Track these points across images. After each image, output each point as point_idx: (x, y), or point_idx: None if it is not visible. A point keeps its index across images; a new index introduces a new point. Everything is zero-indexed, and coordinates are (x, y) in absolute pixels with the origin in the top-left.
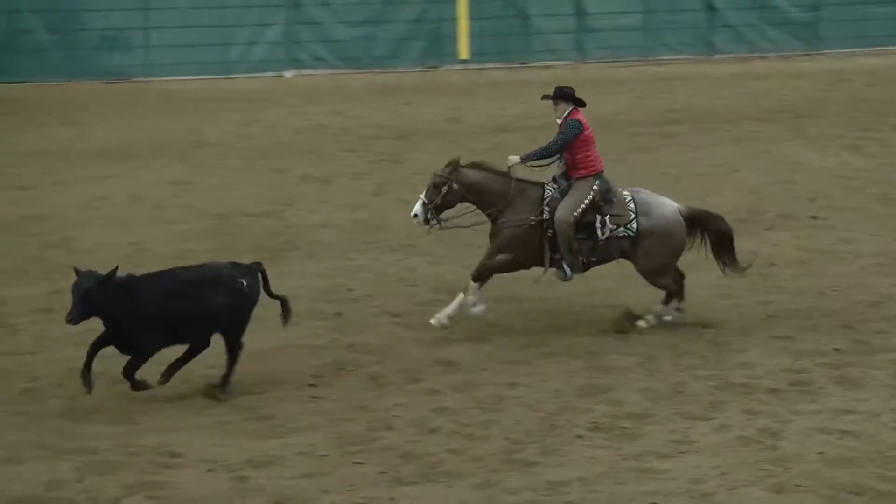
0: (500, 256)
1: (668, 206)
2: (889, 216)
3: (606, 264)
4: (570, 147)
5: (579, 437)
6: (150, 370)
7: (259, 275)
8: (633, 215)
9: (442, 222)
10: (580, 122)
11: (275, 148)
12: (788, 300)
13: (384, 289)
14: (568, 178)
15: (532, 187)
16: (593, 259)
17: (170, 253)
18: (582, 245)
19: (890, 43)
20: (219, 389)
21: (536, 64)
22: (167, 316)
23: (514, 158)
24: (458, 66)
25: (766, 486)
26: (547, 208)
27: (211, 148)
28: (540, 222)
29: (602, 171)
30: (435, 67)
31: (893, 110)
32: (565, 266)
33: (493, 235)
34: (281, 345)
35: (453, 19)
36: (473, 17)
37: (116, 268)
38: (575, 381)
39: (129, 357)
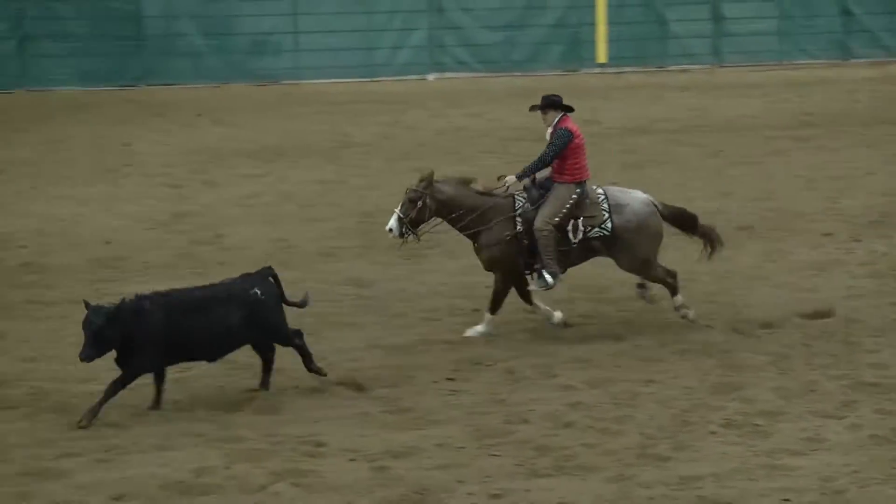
0: (496, 279)
1: (638, 199)
2: None
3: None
4: (561, 154)
5: (712, 433)
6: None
7: (271, 279)
8: (606, 215)
9: (418, 236)
10: (570, 131)
11: (417, 149)
12: None
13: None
14: (541, 186)
15: (503, 201)
16: (568, 262)
17: (315, 250)
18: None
19: None
20: (262, 387)
21: (673, 68)
22: (178, 335)
23: (511, 178)
24: (596, 70)
25: None
26: (520, 220)
27: (356, 148)
28: (515, 235)
29: (586, 181)
30: (573, 71)
31: None
32: (546, 274)
33: (478, 254)
34: (420, 340)
35: (592, 24)
36: (612, 22)
37: (124, 299)
38: (708, 378)
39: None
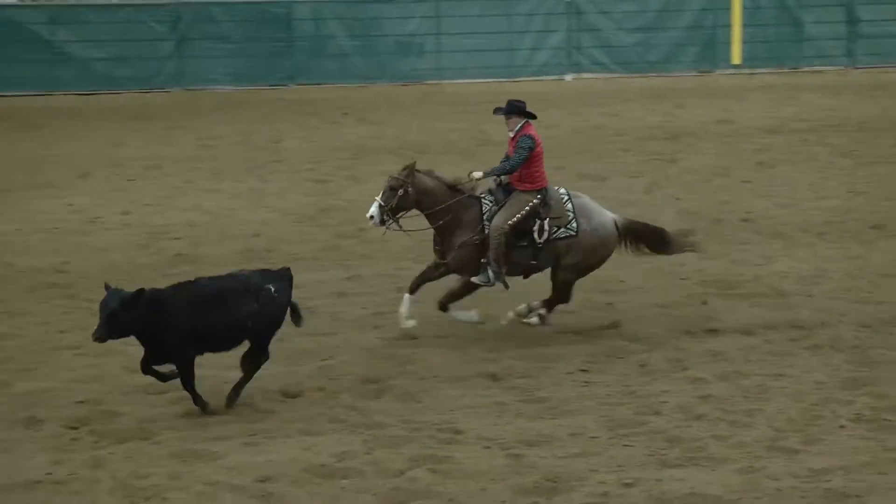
0: (461, 280)
1: (607, 217)
2: None
3: None
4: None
5: (841, 427)
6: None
7: (288, 281)
8: (571, 215)
9: (399, 224)
10: (533, 139)
11: (553, 147)
12: None
13: (654, 281)
14: (507, 190)
15: (473, 202)
16: (534, 263)
17: None
18: (523, 251)
19: None
20: (230, 398)
21: (807, 69)
22: (198, 326)
23: (478, 174)
24: (731, 71)
25: None
26: (487, 223)
27: (494, 146)
28: (483, 240)
29: (546, 188)
30: (708, 72)
31: None
32: (489, 271)
33: (447, 254)
34: (556, 332)
35: (727, 26)
36: (747, 25)
37: (143, 289)
38: (838, 373)
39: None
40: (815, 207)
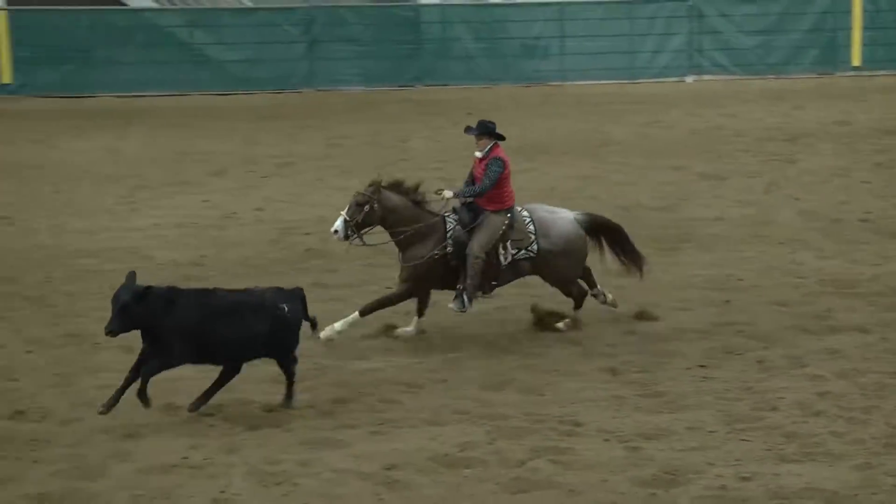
0: (400, 288)
1: (565, 221)
2: None
3: None
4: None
5: None
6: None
7: (300, 300)
8: (532, 237)
9: (363, 239)
10: (503, 162)
11: (673, 147)
12: None
13: (771, 279)
14: (471, 208)
15: (437, 220)
16: (494, 283)
17: None
18: (487, 272)
19: None
20: (284, 404)
21: None
22: (204, 334)
23: (448, 193)
24: (850, 73)
25: None
26: (450, 241)
27: (615, 146)
28: (444, 255)
29: (513, 206)
30: (827, 74)
31: None
32: (465, 297)
33: (401, 265)
34: (674, 328)
35: (847, 29)
36: (867, 27)
37: (152, 286)
38: None
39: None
40: None
